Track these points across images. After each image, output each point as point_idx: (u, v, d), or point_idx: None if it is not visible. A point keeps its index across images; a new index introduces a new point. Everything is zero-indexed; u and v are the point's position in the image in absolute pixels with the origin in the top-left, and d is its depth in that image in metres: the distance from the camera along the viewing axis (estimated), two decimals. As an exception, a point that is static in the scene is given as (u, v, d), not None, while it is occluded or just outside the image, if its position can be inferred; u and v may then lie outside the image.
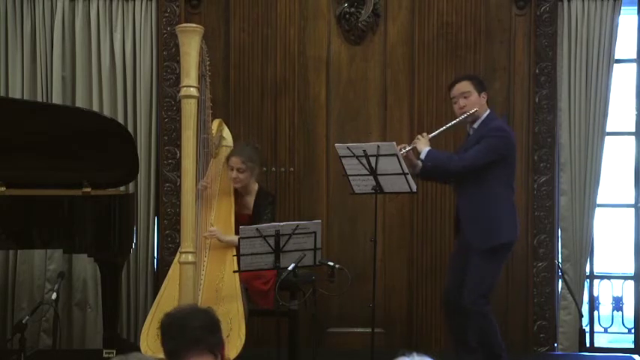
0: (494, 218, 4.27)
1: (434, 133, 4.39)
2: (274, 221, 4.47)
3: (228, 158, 4.51)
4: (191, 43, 3.95)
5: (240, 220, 4.40)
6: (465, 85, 4.36)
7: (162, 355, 3.51)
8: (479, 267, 4.26)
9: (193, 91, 3.94)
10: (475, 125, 4.37)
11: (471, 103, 4.33)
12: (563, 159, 5.20)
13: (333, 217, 5.25)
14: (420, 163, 4.35)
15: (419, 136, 4.38)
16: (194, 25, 4.15)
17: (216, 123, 4.55)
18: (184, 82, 3.94)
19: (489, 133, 4.28)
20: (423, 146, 4.30)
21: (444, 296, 4.54)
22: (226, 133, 4.65)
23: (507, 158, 4.30)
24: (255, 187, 4.57)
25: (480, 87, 4.38)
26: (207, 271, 4.15)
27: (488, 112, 4.39)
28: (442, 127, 4.41)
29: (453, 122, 4.37)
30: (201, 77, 4.12)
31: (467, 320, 4.35)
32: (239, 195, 4.55)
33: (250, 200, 4.54)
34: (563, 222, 5.22)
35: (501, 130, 4.31)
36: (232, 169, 4.47)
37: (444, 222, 5.12)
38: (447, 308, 4.51)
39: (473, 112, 4.32)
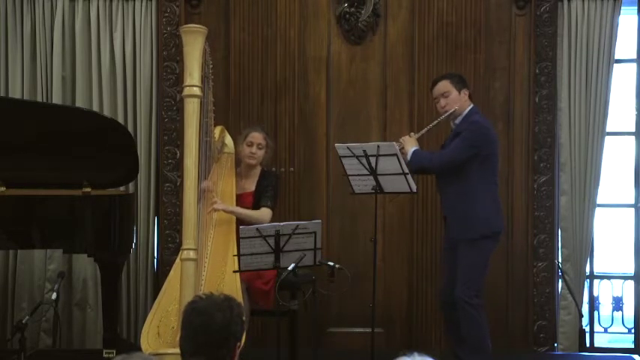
0: (473, 211, 4.31)
1: (419, 133, 4.50)
2: (276, 198, 4.51)
3: (247, 135, 4.52)
4: (194, 44, 3.95)
5: (242, 199, 4.42)
6: (444, 85, 4.43)
7: (162, 354, 3.49)
8: (466, 259, 4.30)
9: (196, 91, 3.94)
10: (457, 121, 4.44)
11: (451, 101, 4.40)
12: (563, 159, 5.20)
13: (333, 217, 5.25)
14: (408, 158, 4.41)
15: (405, 137, 4.45)
16: (198, 25, 4.15)
17: (218, 129, 4.55)
18: (187, 81, 3.94)
19: (466, 128, 4.35)
20: (410, 147, 4.38)
21: (441, 298, 4.57)
22: (228, 140, 4.64)
23: (485, 152, 4.33)
24: (257, 170, 4.58)
25: (460, 85, 4.44)
26: (208, 271, 4.15)
27: (470, 107, 4.45)
28: (426, 127, 4.51)
29: (435, 122, 4.46)
30: (204, 79, 4.12)
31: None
32: (240, 179, 4.55)
33: (252, 183, 4.55)
34: (563, 222, 5.22)
35: (477, 124, 4.37)
36: (252, 145, 4.49)
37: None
38: (444, 310, 4.53)
39: (453, 111, 4.39)
